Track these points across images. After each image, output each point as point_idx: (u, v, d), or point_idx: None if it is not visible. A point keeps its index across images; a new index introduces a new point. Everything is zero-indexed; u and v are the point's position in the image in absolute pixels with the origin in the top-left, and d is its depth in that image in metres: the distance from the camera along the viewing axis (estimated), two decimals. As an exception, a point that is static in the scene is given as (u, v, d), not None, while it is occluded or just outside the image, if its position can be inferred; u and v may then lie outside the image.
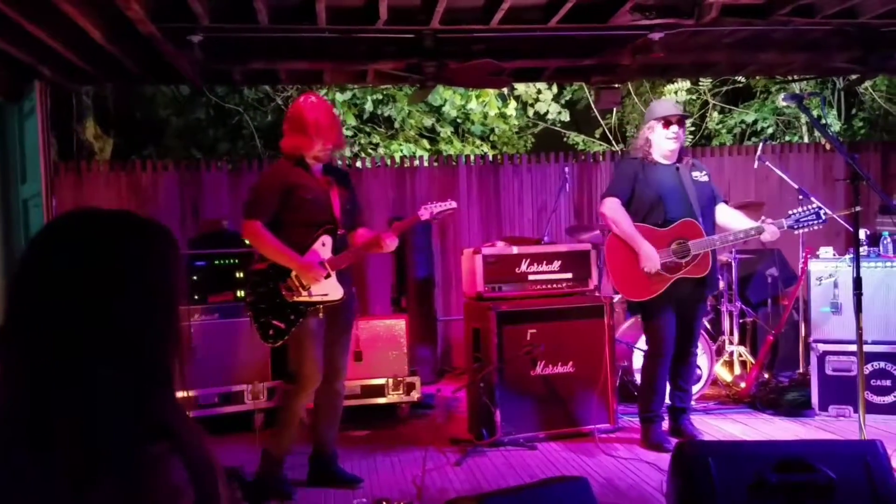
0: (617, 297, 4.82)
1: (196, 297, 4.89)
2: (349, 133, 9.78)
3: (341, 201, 3.76)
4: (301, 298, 3.60)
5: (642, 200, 4.22)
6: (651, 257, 4.08)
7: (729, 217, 4.31)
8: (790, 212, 4.15)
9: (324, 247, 3.67)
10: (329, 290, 3.66)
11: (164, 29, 4.62)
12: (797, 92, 8.32)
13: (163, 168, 6.66)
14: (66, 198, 6.28)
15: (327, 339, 3.77)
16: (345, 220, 3.77)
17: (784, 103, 4.04)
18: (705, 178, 4.32)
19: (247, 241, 3.84)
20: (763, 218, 4.22)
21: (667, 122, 4.17)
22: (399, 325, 5.17)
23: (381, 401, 5.06)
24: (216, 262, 5.12)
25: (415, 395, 5.08)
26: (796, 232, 4.20)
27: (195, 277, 4.93)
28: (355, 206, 3.92)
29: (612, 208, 4.21)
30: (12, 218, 6.02)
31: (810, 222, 4.08)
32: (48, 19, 4.52)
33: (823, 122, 8.92)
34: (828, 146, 7.25)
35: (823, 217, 4.09)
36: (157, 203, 6.57)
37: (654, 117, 4.23)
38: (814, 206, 4.12)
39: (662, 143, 4.20)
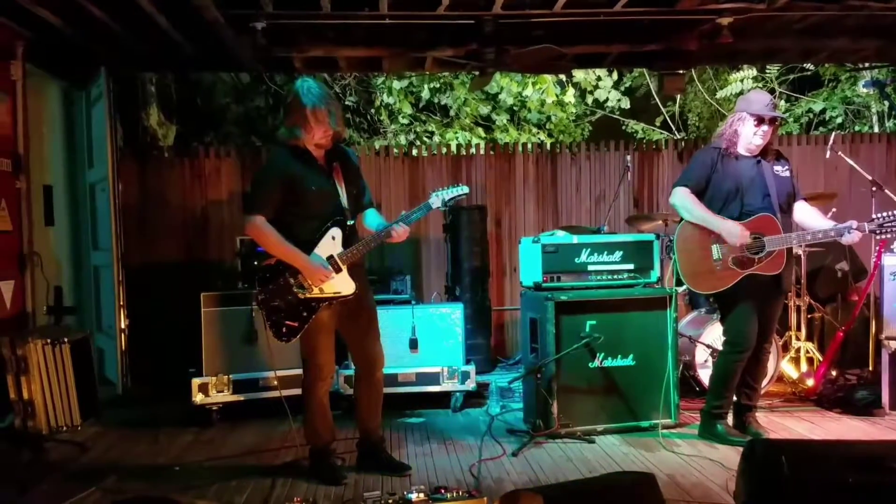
0: (682, 289, 4.69)
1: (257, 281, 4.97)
2: (405, 121, 9.78)
3: (347, 188, 3.60)
4: (313, 295, 3.50)
5: (720, 190, 4.05)
6: (733, 231, 3.91)
7: (807, 215, 4.10)
8: (874, 216, 3.92)
9: (333, 241, 3.52)
10: (341, 286, 3.53)
11: (228, 15, 4.67)
12: (873, 78, 7.98)
13: (225, 154, 6.74)
14: (131, 183, 6.40)
15: (356, 334, 3.72)
16: (352, 208, 3.62)
17: (865, 90, 3.86)
18: (787, 174, 4.11)
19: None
20: (839, 221, 3.98)
21: (760, 120, 3.99)
22: (455, 313, 5.14)
23: (436, 389, 5.05)
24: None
25: (470, 385, 5.05)
26: (878, 238, 3.97)
27: (256, 262, 4.97)
28: (361, 188, 3.74)
29: (681, 196, 4.07)
30: (79, 201, 6.19)
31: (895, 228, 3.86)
32: (115, 4, 4.61)
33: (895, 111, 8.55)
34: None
35: None
36: (219, 189, 6.66)
37: (749, 110, 4.00)
38: None
39: (750, 137, 4.02)
